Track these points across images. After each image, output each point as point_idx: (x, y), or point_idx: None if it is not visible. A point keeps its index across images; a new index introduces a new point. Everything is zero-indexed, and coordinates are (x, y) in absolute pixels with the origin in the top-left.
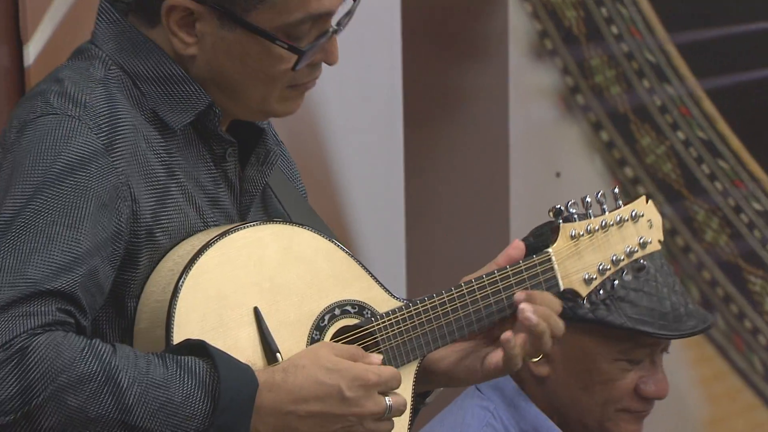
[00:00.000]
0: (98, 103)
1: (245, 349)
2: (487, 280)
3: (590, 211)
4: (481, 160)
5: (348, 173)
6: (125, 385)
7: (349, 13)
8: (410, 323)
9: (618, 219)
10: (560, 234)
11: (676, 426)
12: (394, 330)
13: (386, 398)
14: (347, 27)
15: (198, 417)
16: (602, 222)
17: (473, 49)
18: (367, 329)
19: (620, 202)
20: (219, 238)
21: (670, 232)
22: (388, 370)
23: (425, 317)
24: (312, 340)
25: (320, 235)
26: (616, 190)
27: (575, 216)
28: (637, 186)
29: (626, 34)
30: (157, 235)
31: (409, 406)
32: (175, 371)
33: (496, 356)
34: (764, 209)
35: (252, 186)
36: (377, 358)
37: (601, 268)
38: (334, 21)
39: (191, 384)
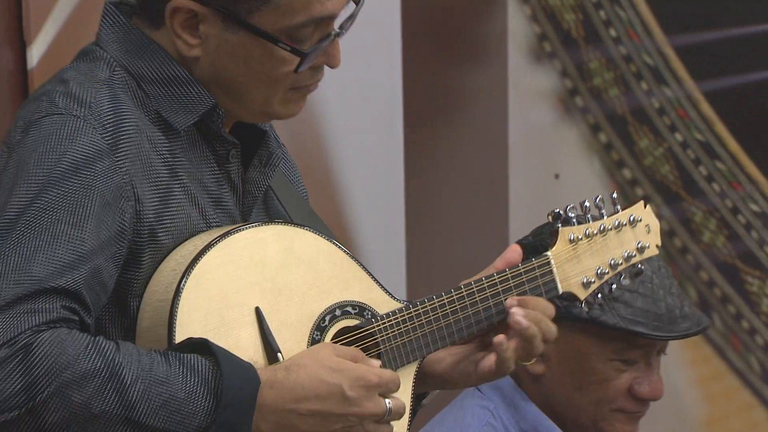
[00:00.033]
0: (103, 103)
1: (247, 348)
2: (487, 282)
3: (589, 215)
4: (480, 161)
5: (348, 174)
6: (129, 382)
7: (352, 17)
8: (410, 325)
9: (616, 223)
10: (559, 238)
11: (674, 425)
12: (394, 331)
13: (386, 401)
14: (348, 30)
15: (201, 414)
16: (601, 226)
17: (473, 51)
18: (367, 330)
19: (618, 207)
20: (221, 239)
21: (668, 234)
22: (389, 373)
23: (425, 319)
24: (313, 341)
25: (322, 236)
26: (615, 195)
27: (574, 220)
28: (635, 187)
29: (624, 37)
30: (160, 235)
31: (408, 407)
32: (178, 368)
33: (489, 360)
34: (761, 210)
35: (254, 187)
36: (377, 362)
37: (599, 272)
38: (336, 24)
39: (194, 381)
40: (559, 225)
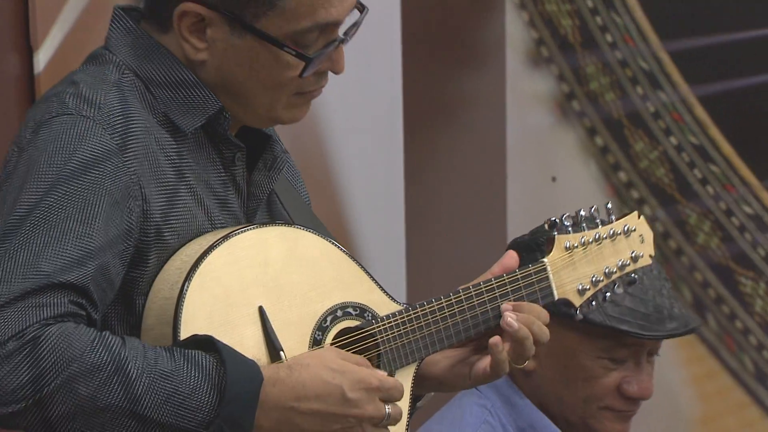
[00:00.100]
0: (112, 104)
1: (250, 347)
2: (485, 287)
3: (584, 224)
4: (479, 164)
5: (349, 176)
6: (134, 376)
7: (356, 24)
8: (410, 326)
9: (611, 233)
10: (555, 245)
11: (669, 424)
12: (394, 332)
13: (386, 406)
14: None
15: (204, 408)
16: (596, 235)
17: (471, 56)
18: (368, 331)
19: (613, 217)
20: (226, 239)
21: (662, 235)
22: (392, 380)
23: (424, 321)
24: (314, 341)
25: (324, 238)
26: (609, 205)
27: (570, 228)
28: (630, 190)
29: (620, 42)
30: (166, 234)
31: (406, 409)
32: (183, 364)
33: (484, 362)
34: (755, 213)
35: (259, 190)
36: (382, 373)
37: (594, 279)
38: (341, 31)
39: (198, 376)
40: (555, 233)
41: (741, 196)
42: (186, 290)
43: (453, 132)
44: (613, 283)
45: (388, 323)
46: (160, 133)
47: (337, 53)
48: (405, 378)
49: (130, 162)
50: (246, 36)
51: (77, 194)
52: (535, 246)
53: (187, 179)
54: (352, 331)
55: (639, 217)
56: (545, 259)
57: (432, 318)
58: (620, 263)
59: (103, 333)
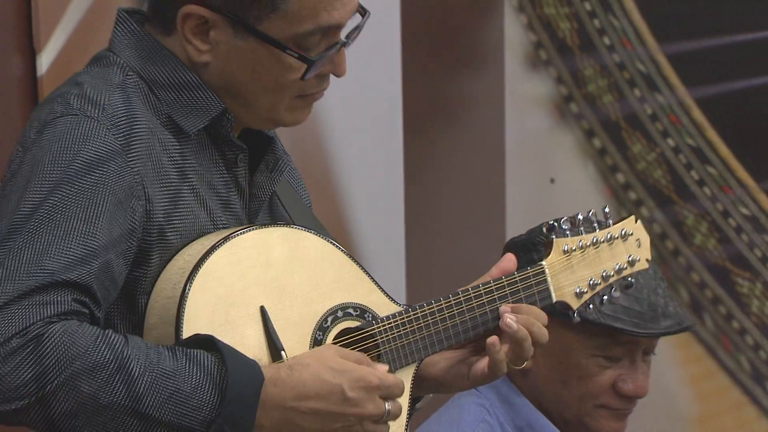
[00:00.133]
0: (116, 105)
1: (251, 346)
2: (484, 289)
3: (582, 228)
4: (478, 166)
5: (349, 178)
6: (136, 374)
7: (358, 28)
8: (409, 327)
9: (608, 236)
10: (553, 248)
11: (667, 423)
12: (393, 333)
13: (386, 403)
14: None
15: (206, 407)
16: (593, 239)
17: (471, 59)
18: (368, 331)
19: (610, 221)
20: (228, 239)
21: (660, 236)
22: (392, 377)
23: (424, 322)
24: (315, 341)
25: (325, 239)
26: (606, 209)
27: (568, 232)
28: (628, 191)
29: (618, 45)
30: (169, 234)
31: (406, 408)
32: (185, 363)
33: (482, 363)
34: (751, 214)
35: (261, 192)
36: (384, 366)
37: (592, 283)
38: (343, 34)
39: (200, 375)
40: (554, 236)
41: (738, 197)
42: (188, 290)
43: (452, 133)
44: (611, 286)
45: (389, 324)
46: (163, 134)
47: (338, 56)
48: (405, 378)
49: (133, 162)
50: (249, 38)
51: (81, 194)
52: (531, 246)
53: (190, 180)
54: (353, 332)
55: (636, 222)
56: (543, 262)
57: (432, 319)
58: (617, 267)
59: (106, 331)
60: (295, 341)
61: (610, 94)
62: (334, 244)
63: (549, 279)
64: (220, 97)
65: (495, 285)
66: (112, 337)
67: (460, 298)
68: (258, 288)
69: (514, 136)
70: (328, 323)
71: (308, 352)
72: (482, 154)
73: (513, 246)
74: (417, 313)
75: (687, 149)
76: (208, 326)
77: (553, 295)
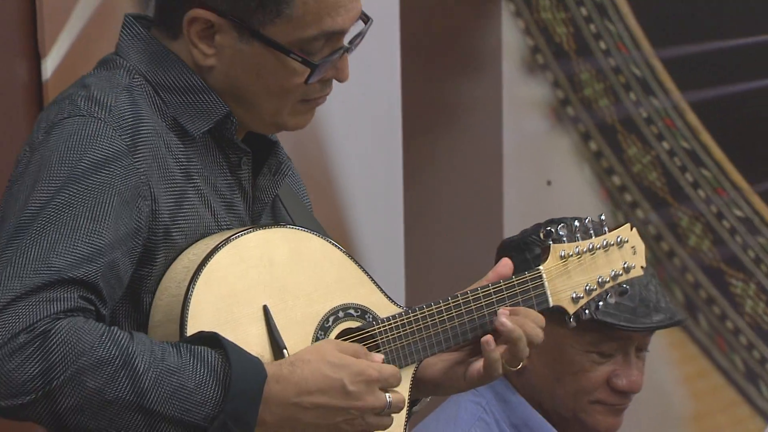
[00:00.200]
0: (122, 107)
1: (254, 344)
2: (482, 292)
3: (578, 234)
4: (476, 169)
5: (349, 181)
6: (141, 370)
7: (361, 34)
8: (409, 329)
9: (604, 243)
10: (550, 254)
11: (662, 422)
12: (393, 334)
13: (386, 394)
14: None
15: (209, 403)
16: (590, 245)
17: (469, 63)
18: (368, 332)
19: (606, 228)
20: (232, 239)
21: (655, 238)
22: (389, 368)
23: (423, 324)
24: (317, 340)
25: (327, 240)
26: (603, 216)
27: (564, 238)
28: (624, 193)
29: (614, 50)
30: (174, 234)
31: (405, 407)
32: (189, 359)
33: (478, 363)
34: (745, 216)
35: (264, 194)
36: (379, 357)
37: (588, 288)
38: (346, 40)
39: (204, 372)
40: (551, 242)
41: (732, 199)
42: (193, 288)
43: (451, 136)
44: (606, 292)
45: (389, 325)
46: (168, 137)
47: (341, 62)
48: (404, 378)
49: (139, 163)
50: (253, 42)
51: (88, 193)
52: (524, 246)
53: (194, 181)
54: (354, 332)
55: (632, 229)
56: (541, 267)
57: (431, 321)
58: (613, 273)
59: (112, 328)
60: (297, 340)
61: (606, 98)
62: (335, 245)
63: (546, 284)
64: (225, 101)
65: (493, 288)
66: (118, 334)
67: (459, 300)
68: (261, 287)
69: (512, 139)
70: (330, 323)
71: (308, 348)
72: (480, 157)
73: (506, 246)
74: (417, 315)
75: (682, 152)
76: (212, 324)
77: (550, 299)
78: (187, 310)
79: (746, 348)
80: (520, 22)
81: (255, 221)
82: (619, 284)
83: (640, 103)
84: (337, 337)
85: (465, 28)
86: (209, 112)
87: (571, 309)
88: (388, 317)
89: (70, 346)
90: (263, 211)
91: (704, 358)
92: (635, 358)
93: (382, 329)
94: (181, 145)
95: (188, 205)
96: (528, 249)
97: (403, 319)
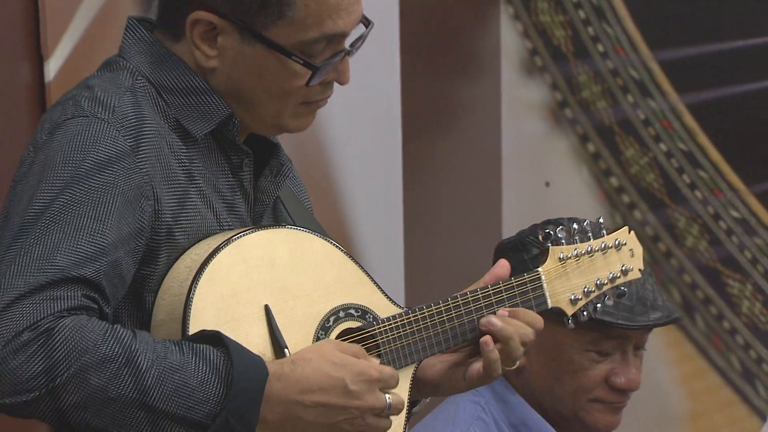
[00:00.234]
0: (125, 108)
1: (256, 344)
2: (482, 293)
3: (577, 237)
4: (475, 170)
5: (349, 181)
6: (144, 368)
7: (362, 38)
8: (409, 329)
9: (602, 246)
10: (549, 256)
11: (659, 421)
12: (393, 334)
13: (386, 396)
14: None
15: (211, 401)
16: (588, 248)
17: (468, 65)
18: (368, 332)
19: (604, 231)
20: (234, 239)
21: (652, 238)
22: (388, 369)
23: (423, 324)
24: (317, 340)
25: (328, 241)
26: (601, 219)
27: (563, 240)
28: (621, 195)
29: (611, 52)
30: (176, 234)
31: (405, 407)
32: (191, 357)
33: (478, 364)
34: (741, 217)
35: (265, 196)
36: (376, 360)
37: (586, 290)
38: (347, 43)
39: (206, 370)
40: (550, 244)
41: (728, 200)
42: (195, 288)
43: (450, 138)
44: (604, 294)
45: (389, 325)
46: (171, 138)
47: (342, 64)
48: (404, 378)
49: (142, 163)
50: (255, 44)
51: (91, 193)
52: (521, 247)
53: (197, 182)
54: (354, 332)
55: (630, 232)
56: (540, 269)
57: (431, 321)
58: (611, 276)
59: (115, 326)
60: (298, 340)
61: (603, 100)
62: (336, 246)
63: (545, 285)
64: (227, 103)
65: (493, 290)
66: (121, 332)
67: (458, 301)
68: (262, 287)
69: (511, 141)
70: (331, 323)
71: (309, 347)
72: (479, 159)
73: (503, 247)
74: (417, 315)
75: (679, 153)
76: (214, 324)
77: (549, 301)
78: (189, 309)
79: (743, 348)
80: (518, 24)
81: (256, 222)
82: (617, 286)
83: (638, 105)
84: (338, 336)
85: (464, 30)
86: (211, 113)
87: (570, 311)
88: (388, 317)
89: (73, 343)
90: (264, 212)
91: (701, 357)
92: (633, 356)
93: (382, 329)
94: (184, 147)
95: (191, 205)
96: (525, 250)
97: (403, 320)
